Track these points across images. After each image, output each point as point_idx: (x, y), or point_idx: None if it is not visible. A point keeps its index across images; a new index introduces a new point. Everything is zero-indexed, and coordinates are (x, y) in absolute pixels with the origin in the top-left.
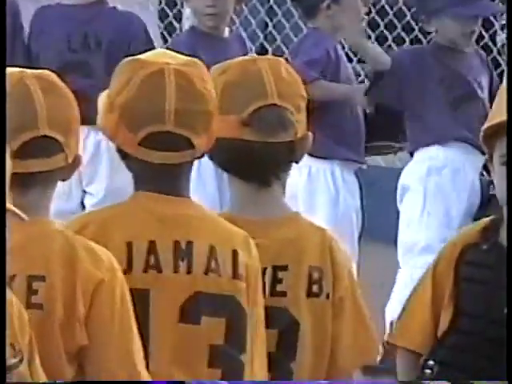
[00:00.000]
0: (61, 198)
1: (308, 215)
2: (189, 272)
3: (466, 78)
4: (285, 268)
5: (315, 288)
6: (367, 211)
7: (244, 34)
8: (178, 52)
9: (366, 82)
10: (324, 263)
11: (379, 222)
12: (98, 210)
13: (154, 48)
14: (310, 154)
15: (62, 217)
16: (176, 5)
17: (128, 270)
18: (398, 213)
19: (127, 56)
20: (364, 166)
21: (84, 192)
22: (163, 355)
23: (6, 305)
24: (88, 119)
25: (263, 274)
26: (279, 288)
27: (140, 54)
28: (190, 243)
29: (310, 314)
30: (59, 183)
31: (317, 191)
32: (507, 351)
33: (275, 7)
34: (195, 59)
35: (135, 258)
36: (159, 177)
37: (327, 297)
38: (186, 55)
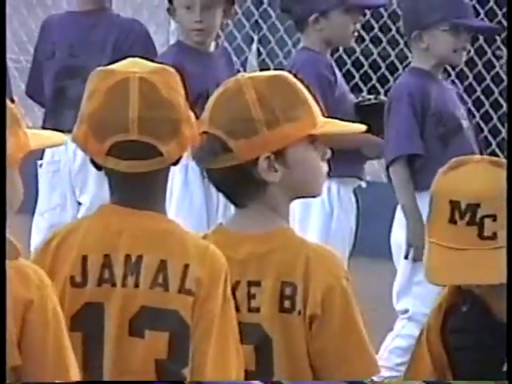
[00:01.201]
0: (56, 209)
1: (302, 230)
2: (136, 286)
3: (455, 110)
4: (258, 283)
5: (287, 304)
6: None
7: (229, 48)
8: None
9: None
10: (298, 279)
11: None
12: (68, 223)
13: (155, 54)
14: None
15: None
16: None
17: (83, 283)
18: (387, 227)
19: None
20: (363, 184)
21: (79, 204)
22: (116, 367)
23: (6, 305)
24: None
25: (237, 286)
26: (253, 303)
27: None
28: (140, 257)
29: (283, 329)
30: (54, 196)
31: (311, 207)
32: (507, 351)
33: (260, 21)
34: (165, 66)
35: (90, 271)
36: (128, 188)
37: (299, 313)
38: (174, 69)
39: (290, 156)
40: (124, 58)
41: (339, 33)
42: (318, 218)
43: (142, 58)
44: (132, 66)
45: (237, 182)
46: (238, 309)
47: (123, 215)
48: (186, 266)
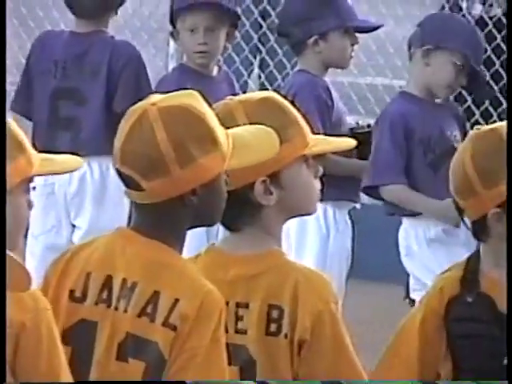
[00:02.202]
0: (50, 232)
1: (299, 254)
2: (125, 311)
3: (446, 134)
4: (246, 305)
5: (273, 327)
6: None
7: (228, 71)
8: (166, 89)
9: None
10: (286, 303)
11: (366, 260)
12: (84, 241)
13: (147, 78)
14: None
15: (52, 251)
16: None
17: (82, 299)
18: (384, 250)
19: (121, 84)
20: (358, 205)
21: (73, 226)
22: None
23: (5, 305)
24: (77, 149)
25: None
26: (240, 325)
27: (131, 82)
28: (134, 284)
29: (268, 353)
30: (48, 219)
31: (308, 231)
32: (507, 351)
33: (259, 45)
34: (187, 102)
35: (90, 288)
36: (139, 215)
37: (286, 336)
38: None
39: (284, 177)
40: (117, 81)
41: (338, 54)
42: (315, 241)
43: (135, 81)
44: (170, 98)
45: (232, 207)
46: (226, 330)
47: (131, 240)
48: (176, 301)
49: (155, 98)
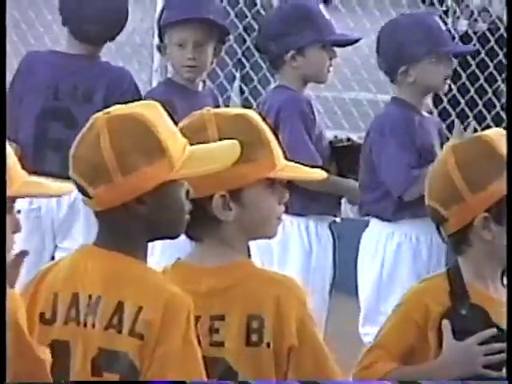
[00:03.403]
0: (34, 253)
1: (281, 268)
2: (93, 326)
3: (432, 146)
4: (221, 317)
5: (254, 337)
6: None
7: (212, 86)
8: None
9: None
10: (265, 312)
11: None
12: (50, 262)
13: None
14: (285, 211)
15: (35, 272)
16: None
17: (52, 320)
18: None
19: None
20: (338, 219)
21: (55, 247)
22: None
23: (6, 304)
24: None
25: (197, 321)
26: (216, 338)
27: None
28: (99, 298)
29: (251, 362)
30: (33, 241)
31: (290, 245)
32: (507, 351)
33: (243, 60)
34: (137, 111)
35: (59, 309)
36: (101, 228)
37: (268, 346)
38: (162, 105)
39: (245, 196)
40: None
41: (316, 69)
42: (298, 257)
43: None
44: (125, 108)
45: (192, 217)
46: (199, 342)
47: (92, 255)
48: (140, 308)
49: (114, 108)
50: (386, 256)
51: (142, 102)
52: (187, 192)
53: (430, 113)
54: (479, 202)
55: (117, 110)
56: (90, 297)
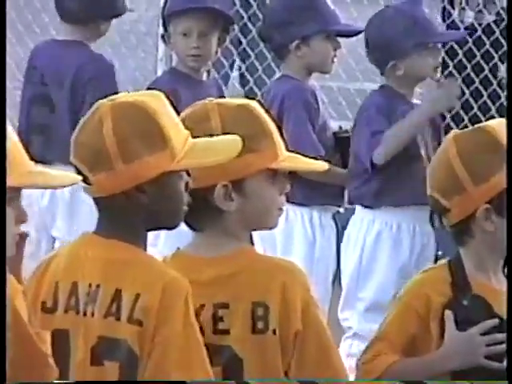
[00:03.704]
0: (31, 242)
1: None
2: (93, 315)
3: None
4: (225, 305)
5: (260, 324)
6: None
7: (217, 76)
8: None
9: None
10: (271, 299)
11: None
12: (54, 251)
13: (116, 90)
14: (288, 200)
15: (34, 261)
16: None
17: (53, 309)
18: None
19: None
20: (341, 209)
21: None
22: None
23: (6, 304)
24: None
25: (200, 310)
26: (221, 326)
27: (97, 96)
28: (98, 286)
29: (256, 350)
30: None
31: (294, 236)
32: (507, 351)
33: (248, 49)
34: (141, 100)
35: (60, 297)
36: (100, 217)
37: (274, 332)
38: (166, 95)
39: (247, 186)
40: (83, 93)
41: (320, 59)
42: (301, 247)
43: (100, 95)
44: (129, 96)
45: (193, 207)
46: (202, 331)
47: (92, 244)
48: (137, 296)
49: (119, 95)
50: (366, 244)
51: (146, 91)
52: (186, 184)
53: None
54: (482, 194)
55: (121, 97)
56: (89, 285)
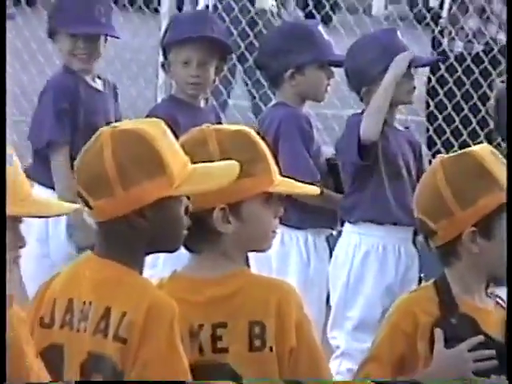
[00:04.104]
0: (39, 241)
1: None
2: (85, 331)
3: (392, 155)
4: (224, 325)
5: (257, 342)
6: None
7: (215, 103)
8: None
9: None
10: (267, 317)
11: None
12: (60, 269)
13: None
14: (284, 223)
15: (40, 260)
16: None
17: (51, 324)
18: None
19: None
20: (334, 232)
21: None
22: None
23: (6, 304)
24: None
25: (199, 330)
26: (220, 345)
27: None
28: (90, 303)
29: (254, 367)
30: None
31: (289, 257)
32: (507, 351)
33: (245, 77)
34: (141, 127)
35: (56, 314)
36: (98, 237)
37: (271, 350)
38: (166, 121)
39: (244, 210)
40: None
41: (314, 88)
42: (296, 268)
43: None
44: (130, 123)
45: (192, 229)
46: (203, 350)
47: (89, 263)
48: (124, 314)
49: (120, 123)
50: (354, 265)
51: (147, 119)
52: (186, 208)
53: (406, 127)
54: (468, 217)
55: (122, 124)
56: (83, 303)
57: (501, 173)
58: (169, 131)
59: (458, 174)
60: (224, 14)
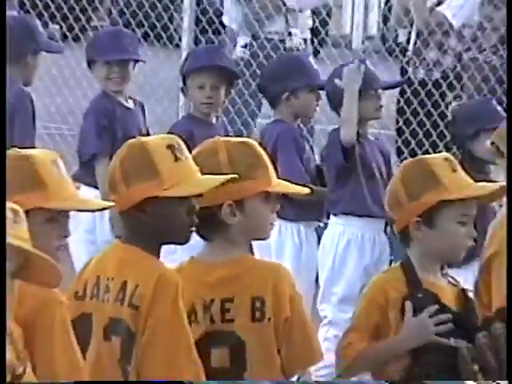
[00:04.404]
0: (87, 231)
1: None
2: (108, 301)
3: (370, 164)
4: (231, 300)
5: (258, 314)
6: None
7: (225, 120)
8: (177, 132)
9: None
10: (266, 294)
11: None
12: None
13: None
14: (281, 217)
15: (88, 246)
16: None
17: (83, 296)
18: None
19: None
20: (321, 224)
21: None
22: (96, 362)
23: (6, 305)
24: None
25: (211, 304)
26: (228, 316)
27: None
28: (112, 279)
29: (256, 334)
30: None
31: (285, 245)
32: (507, 351)
33: (249, 99)
34: (142, 143)
35: (88, 288)
36: (124, 226)
37: (269, 320)
38: (184, 134)
39: (247, 206)
40: None
41: (306, 107)
42: (291, 253)
43: None
44: (146, 137)
45: (205, 221)
46: (214, 320)
47: (115, 247)
48: (137, 286)
49: (146, 137)
50: (338, 251)
51: (165, 134)
52: (191, 208)
53: (377, 138)
54: (413, 209)
55: (142, 138)
56: (107, 279)
57: (447, 175)
58: (179, 145)
59: (410, 175)
60: (259, 51)
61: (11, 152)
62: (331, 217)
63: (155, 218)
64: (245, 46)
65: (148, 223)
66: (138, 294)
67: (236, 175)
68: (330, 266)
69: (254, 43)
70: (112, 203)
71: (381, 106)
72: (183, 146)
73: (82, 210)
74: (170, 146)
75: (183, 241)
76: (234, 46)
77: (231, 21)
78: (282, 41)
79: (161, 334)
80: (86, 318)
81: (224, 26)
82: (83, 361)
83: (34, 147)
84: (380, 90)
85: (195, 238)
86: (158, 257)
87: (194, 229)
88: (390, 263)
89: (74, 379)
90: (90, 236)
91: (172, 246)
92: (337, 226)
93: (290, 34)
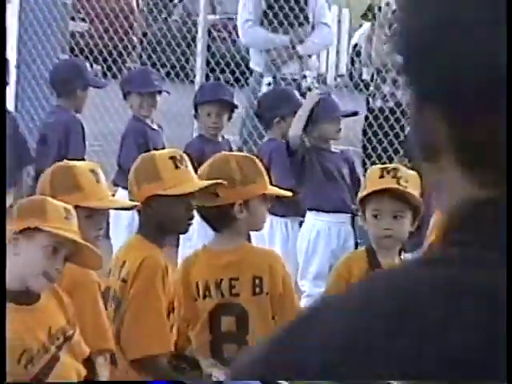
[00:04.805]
0: (126, 226)
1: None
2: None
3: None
4: (236, 278)
5: (257, 290)
6: None
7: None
8: (191, 150)
9: None
10: (264, 273)
11: None
12: None
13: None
14: (272, 213)
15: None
16: None
17: (109, 274)
18: None
19: None
20: (303, 219)
21: None
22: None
23: (5, 305)
24: None
25: (221, 282)
26: (234, 291)
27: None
28: (120, 259)
29: (256, 306)
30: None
31: (275, 235)
32: (507, 351)
33: (247, 122)
34: (152, 155)
35: (112, 268)
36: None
37: (267, 294)
38: (196, 151)
39: (251, 204)
40: None
41: (292, 129)
42: (280, 242)
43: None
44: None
45: (218, 216)
46: (223, 295)
47: (132, 238)
48: (128, 264)
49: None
50: (311, 239)
51: (175, 149)
52: (190, 205)
53: (342, 152)
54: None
55: (159, 151)
56: (119, 259)
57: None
58: (182, 157)
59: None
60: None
61: (60, 163)
62: (307, 212)
63: (158, 213)
64: (268, 84)
65: (153, 217)
66: (127, 270)
67: (220, 181)
68: (305, 251)
69: (272, 82)
70: (134, 203)
71: (340, 129)
72: (185, 158)
73: (112, 208)
74: (172, 157)
75: (183, 231)
76: (259, 83)
77: (256, 65)
78: (295, 80)
79: (135, 302)
80: (106, 291)
81: (229, 67)
82: (108, 324)
83: (83, 159)
84: (340, 117)
85: (207, 230)
86: (161, 246)
87: (192, 222)
88: (356, 247)
89: (101, 341)
90: (128, 230)
91: (189, 234)
92: (309, 220)
93: (304, 76)
